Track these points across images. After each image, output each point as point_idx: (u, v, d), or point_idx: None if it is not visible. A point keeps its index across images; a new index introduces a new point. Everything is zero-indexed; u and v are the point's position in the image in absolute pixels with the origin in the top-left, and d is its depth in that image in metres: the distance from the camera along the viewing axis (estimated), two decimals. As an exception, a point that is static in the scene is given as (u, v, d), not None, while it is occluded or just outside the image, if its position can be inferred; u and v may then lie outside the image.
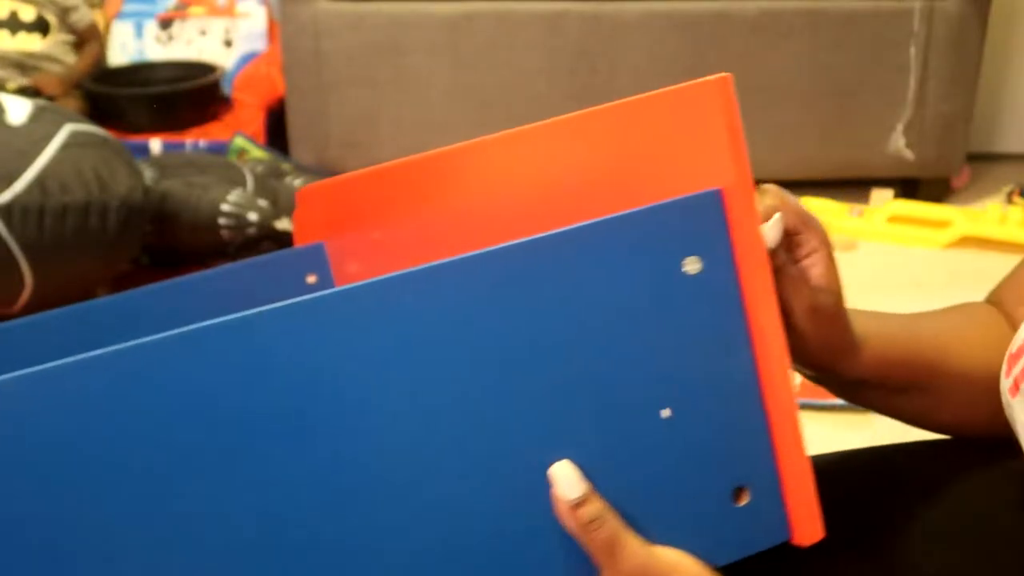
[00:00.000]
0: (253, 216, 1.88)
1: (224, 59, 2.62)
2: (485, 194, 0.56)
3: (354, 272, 0.67)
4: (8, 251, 1.61)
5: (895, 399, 0.59)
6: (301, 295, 0.39)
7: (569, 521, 0.42)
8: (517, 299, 0.42)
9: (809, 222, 0.50)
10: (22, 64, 2.42)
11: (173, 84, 2.44)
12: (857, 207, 2.24)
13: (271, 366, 0.38)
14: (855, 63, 2.21)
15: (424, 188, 0.60)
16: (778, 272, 0.49)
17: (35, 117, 1.69)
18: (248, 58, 2.64)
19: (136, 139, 2.28)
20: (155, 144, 2.29)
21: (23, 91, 2.21)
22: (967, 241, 2.12)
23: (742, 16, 2.17)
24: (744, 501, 0.46)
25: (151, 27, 2.70)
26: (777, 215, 0.48)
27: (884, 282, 1.98)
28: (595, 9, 2.18)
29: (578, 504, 0.42)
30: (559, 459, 0.42)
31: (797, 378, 0.60)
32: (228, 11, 2.69)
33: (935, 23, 2.16)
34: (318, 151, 2.30)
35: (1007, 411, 0.54)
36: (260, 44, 2.67)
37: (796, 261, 0.50)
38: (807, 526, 0.46)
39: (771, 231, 0.47)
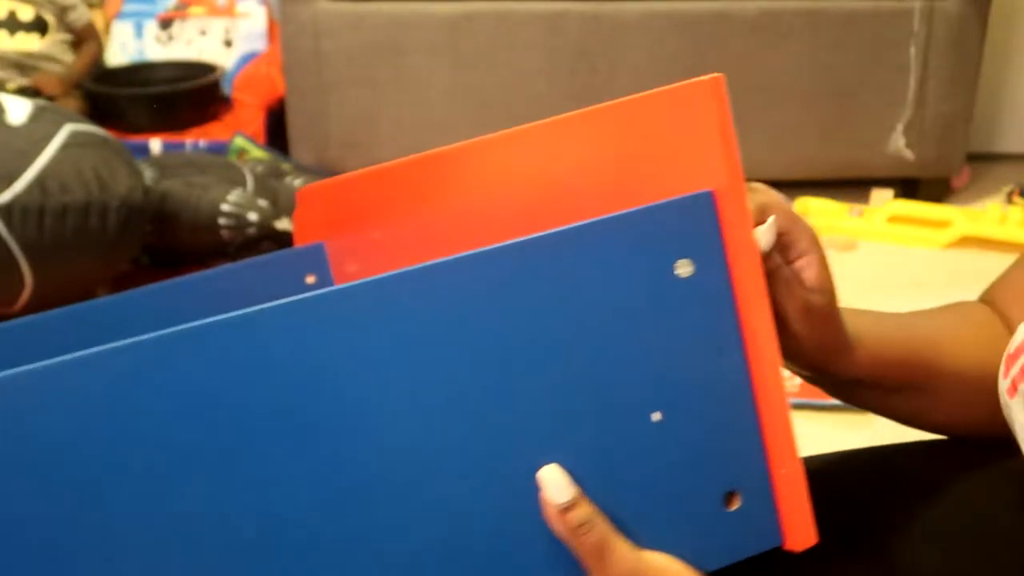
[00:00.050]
0: (253, 216, 1.88)
1: (224, 59, 2.63)
2: (481, 194, 0.56)
3: (353, 272, 0.67)
4: (8, 251, 1.61)
5: (890, 399, 0.59)
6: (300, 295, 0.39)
7: (558, 525, 0.42)
8: (507, 300, 0.41)
9: (798, 221, 0.50)
10: (21, 64, 2.42)
11: (173, 84, 2.44)
12: (857, 207, 2.24)
13: (269, 364, 0.38)
14: (855, 63, 2.21)
15: (422, 188, 0.60)
16: (772, 275, 0.49)
17: (35, 117, 1.69)
18: (248, 58, 2.64)
19: (136, 139, 2.28)
20: (155, 144, 2.29)
21: (23, 91, 2.21)
22: (967, 241, 2.12)
23: (742, 16, 2.17)
24: (735, 506, 0.45)
25: (151, 27, 2.70)
26: (771, 218, 0.48)
27: (884, 282, 1.98)
28: (595, 9, 2.18)
29: (567, 508, 0.42)
30: (549, 461, 0.42)
31: (796, 380, 0.60)
32: (228, 11, 2.69)
33: (935, 23, 2.16)
34: (318, 151, 2.30)
35: (1005, 412, 0.54)
36: (260, 44, 2.67)
37: (788, 262, 0.50)
38: (800, 531, 0.45)
39: (765, 235, 0.47)
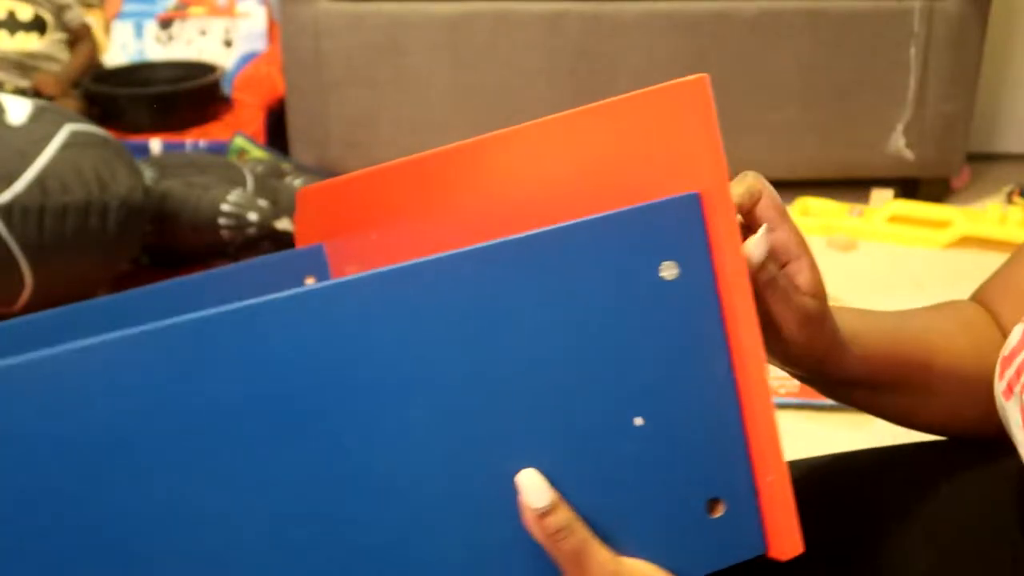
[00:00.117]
0: (253, 216, 1.88)
1: (224, 59, 2.63)
2: (475, 195, 0.56)
3: (352, 273, 0.67)
4: (8, 251, 1.61)
5: (882, 398, 0.59)
6: None
7: (536, 530, 0.42)
8: (487, 301, 0.41)
9: (786, 214, 0.50)
10: (22, 64, 2.42)
11: (173, 84, 2.44)
12: (857, 207, 2.24)
13: (251, 359, 0.38)
14: (855, 63, 2.21)
15: (419, 189, 0.60)
16: (768, 284, 0.49)
17: (35, 117, 1.69)
18: (248, 58, 2.65)
19: (136, 139, 2.28)
20: (155, 144, 2.29)
21: (21, 93, 2.21)
22: (967, 241, 2.12)
23: (742, 16, 2.17)
24: (719, 513, 0.45)
25: (151, 27, 2.70)
26: (763, 228, 0.47)
27: (884, 282, 1.98)
28: (595, 9, 2.18)
29: (544, 513, 0.41)
30: (528, 465, 0.42)
31: (795, 379, 0.60)
32: (228, 11, 2.69)
33: (935, 23, 2.16)
34: (318, 151, 2.30)
35: (1001, 413, 0.54)
36: (260, 44, 2.67)
37: (780, 264, 0.50)
38: (785, 540, 0.44)
39: (758, 247, 0.46)
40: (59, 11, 2.50)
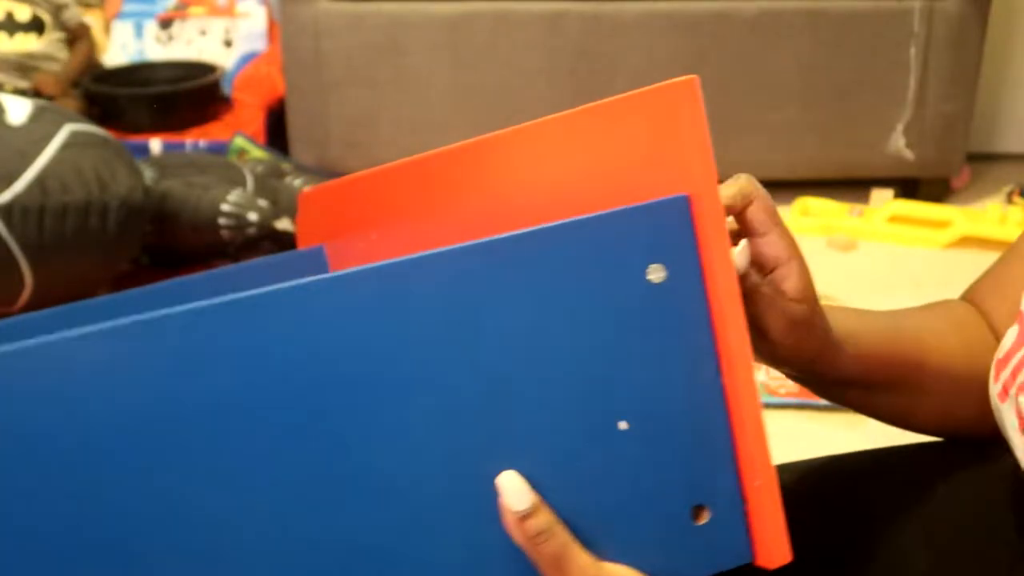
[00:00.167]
0: (253, 216, 1.88)
1: (224, 59, 2.63)
2: (474, 197, 0.56)
3: None
4: (8, 251, 1.61)
5: (875, 398, 0.59)
6: None
7: (516, 533, 0.41)
8: (471, 301, 0.40)
9: (777, 219, 0.49)
10: (22, 65, 2.42)
11: (173, 84, 2.44)
12: (857, 207, 2.24)
13: (214, 357, 0.38)
14: (855, 63, 2.21)
15: (418, 190, 0.60)
16: (751, 291, 0.49)
17: (35, 117, 1.69)
18: (248, 58, 2.65)
19: (136, 139, 2.28)
20: (155, 144, 2.29)
21: (22, 94, 2.21)
22: (967, 241, 2.12)
23: (742, 16, 2.17)
24: (704, 519, 0.44)
25: (151, 27, 2.70)
26: (744, 242, 0.47)
27: (884, 282, 1.98)
28: (595, 9, 2.18)
29: (525, 516, 0.41)
30: (509, 467, 0.41)
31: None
32: (228, 11, 2.69)
33: (935, 23, 2.16)
34: (318, 151, 2.30)
35: (996, 415, 0.54)
36: (260, 44, 2.67)
37: (769, 267, 0.49)
38: (773, 548, 0.44)
39: (738, 259, 0.46)
40: (57, 11, 2.50)
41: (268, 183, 2.06)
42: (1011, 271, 0.62)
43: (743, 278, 0.47)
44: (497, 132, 0.52)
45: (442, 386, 0.40)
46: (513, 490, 0.41)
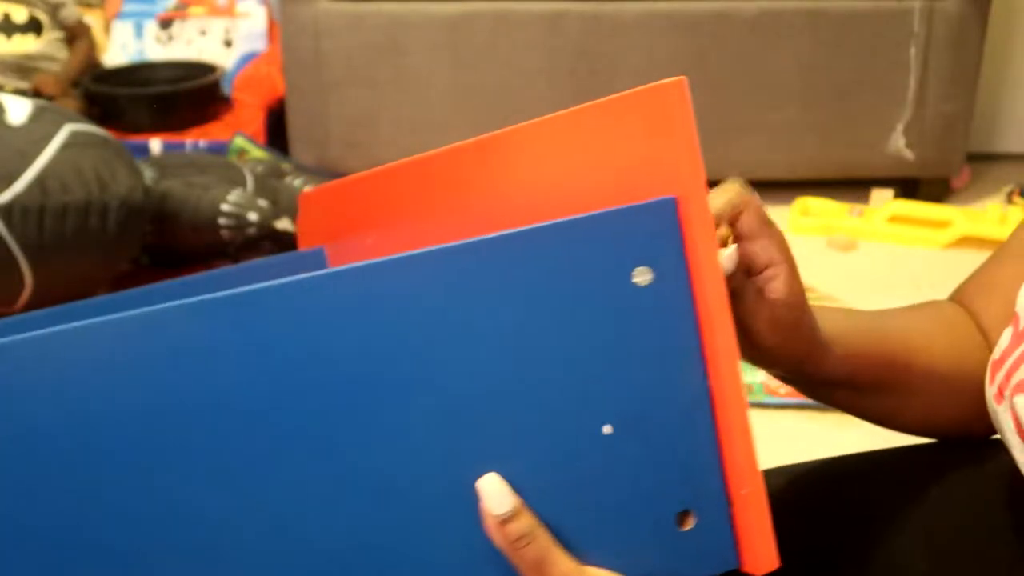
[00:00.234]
0: (253, 216, 1.88)
1: (224, 59, 2.63)
2: (471, 197, 0.56)
3: None
4: (8, 251, 1.61)
5: (864, 399, 0.59)
6: None
7: (497, 537, 0.41)
8: (454, 302, 0.40)
9: (769, 226, 0.49)
10: (21, 66, 2.42)
11: (173, 84, 2.44)
12: (857, 207, 2.24)
13: (219, 350, 0.38)
14: (855, 63, 2.21)
15: (416, 190, 0.60)
16: (736, 293, 0.48)
17: (35, 117, 1.69)
18: (248, 58, 2.65)
19: (136, 139, 2.28)
20: (155, 144, 2.29)
21: (21, 95, 2.22)
22: (967, 241, 2.12)
23: (742, 16, 2.17)
24: (689, 525, 0.43)
25: (151, 27, 2.70)
26: (732, 247, 0.47)
27: (884, 282, 1.98)
28: (595, 9, 2.18)
29: (506, 520, 0.40)
30: (491, 470, 0.41)
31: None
32: (228, 11, 2.69)
33: (935, 23, 2.16)
34: (318, 151, 2.30)
35: (993, 417, 0.53)
36: (260, 44, 2.67)
37: (758, 271, 0.49)
38: (760, 554, 0.43)
39: (727, 261, 0.46)
40: (54, 10, 2.50)
41: (268, 183, 2.06)
42: (1001, 271, 0.62)
43: (730, 279, 0.46)
44: (496, 132, 0.52)
45: (424, 387, 0.40)
46: (493, 493, 0.41)
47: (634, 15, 2.18)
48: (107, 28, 2.71)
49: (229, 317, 0.38)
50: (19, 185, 1.60)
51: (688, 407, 0.43)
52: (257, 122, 2.42)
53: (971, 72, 2.22)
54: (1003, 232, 2.09)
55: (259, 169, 2.13)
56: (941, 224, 2.17)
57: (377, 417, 0.40)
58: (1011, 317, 0.55)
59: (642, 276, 0.42)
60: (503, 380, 0.41)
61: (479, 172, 0.55)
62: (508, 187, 0.53)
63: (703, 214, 0.42)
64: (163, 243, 1.92)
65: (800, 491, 0.64)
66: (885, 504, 0.61)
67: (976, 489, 0.60)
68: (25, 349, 0.36)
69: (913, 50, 2.17)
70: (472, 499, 0.41)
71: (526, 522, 0.41)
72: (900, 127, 2.23)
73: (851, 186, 2.33)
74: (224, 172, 2.01)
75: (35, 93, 2.32)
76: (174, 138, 2.33)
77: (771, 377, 1.66)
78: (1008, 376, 0.51)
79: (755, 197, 0.49)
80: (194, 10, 2.69)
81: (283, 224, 1.93)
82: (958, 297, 0.64)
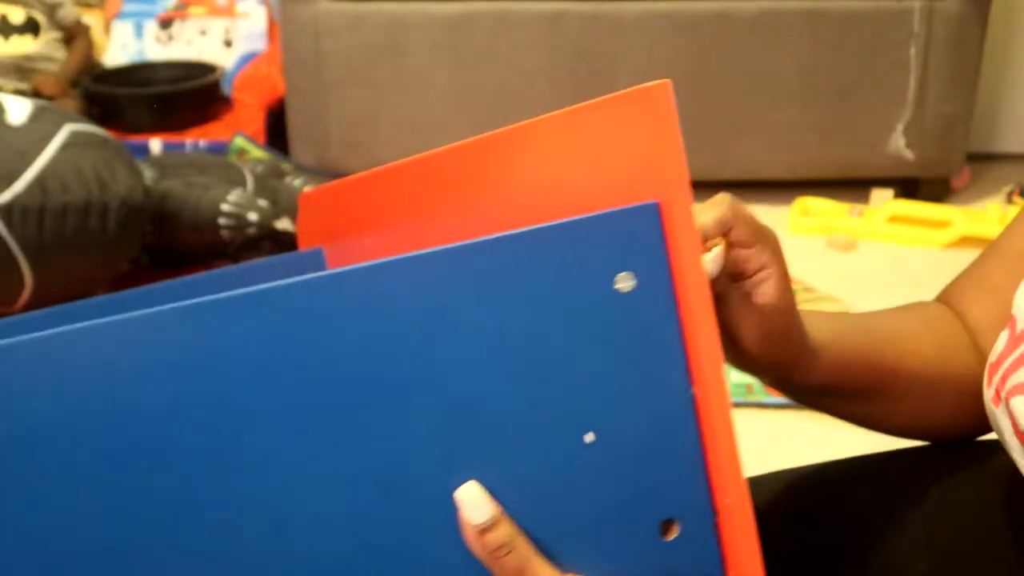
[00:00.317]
0: (253, 216, 1.88)
1: (224, 59, 2.63)
2: (467, 199, 0.56)
3: None
4: (8, 251, 1.61)
5: (850, 405, 0.58)
6: None
7: (476, 546, 0.40)
8: (433, 308, 0.40)
9: (761, 235, 0.48)
10: (20, 67, 2.42)
11: (173, 84, 2.44)
12: (857, 207, 2.24)
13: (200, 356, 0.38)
14: (855, 63, 2.21)
15: (415, 191, 0.60)
16: (723, 298, 0.48)
17: (35, 117, 1.69)
18: (248, 58, 2.65)
19: (136, 139, 2.28)
20: (155, 144, 2.29)
21: (21, 95, 2.22)
22: (967, 241, 2.12)
23: (742, 16, 2.17)
24: (673, 535, 0.43)
25: (151, 27, 2.70)
26: (716, 249, 0.46)
27: (884, 282, 1.98)
28: (595, 9, 2.18)
29: (485, 529, 0.40)
30: (472, 478, 0.40)
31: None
32: (228, 11, 2.69)
33: (935, 23, 2.16)
34: (318, 151, 2.30)
35: (991, 420, 0.53)
36: (260, 44, 2.67)
37: (747, 277, 0.49)
38: (745, 565, 0.42)
39: (711, 265, 0.45)
40: (51, 10, 2.50)
41: (268, 183, 2.06)
42: (991, 271, 0.62)
43: (715, 283, 0.46)
44: (495, 132, 0.52)
45: (401, 396, 0.40)
46: (472, 503, 0.40)
47: (634, 15, 2.18)
48: (107, 28, 2.71)
49: (229, 319, 0.38)
50: (19, 185, 1.60)
51: (672, 415, 0.42)
52: (257, 122, 2.42)
53: (971, 72, 2.22)
54: (1003, 232, 2.09)
55: (259, 169, 2.14)
56: (941, 224, 2.17)
57: (371, 418, 0.40)
58: (1003, 318, 0.54)
59: (624, 282, 0.41)
60: (482, 387, 0.40)
61: (477, 172, 0.55)
62: (506, 187, 0.53)
63: (687, 219, 0.41)
64: (163, 243, 1.92)
65: (799, 494, 0.64)
66: (885, 505, 0.60)
67: (976, 489, 0.60)
68: (26, 350, 0.36)
69: (913, 50, 2.17)
70: (453, 509, 0.40)
71: (505, 531, 0.40)
72: (900, 127, 2.23)
73: (851, 186, 2.33)
74: (224, 172, 2.01)
75: (35, 93, 2.32)
76: (174, 138, 2.33)
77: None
78: (1004, 379, 0.51)
79: (746, 209, 0.48)
80: (194, 10, 2.69)
81: (283, 224, 1.93)
82: (946, 298, 0.64)
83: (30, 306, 1.68)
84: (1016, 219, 0.61)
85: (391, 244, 0.62)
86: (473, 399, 0.40)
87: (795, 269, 1.99)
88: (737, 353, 0.51)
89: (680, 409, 0.42)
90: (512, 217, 0.50)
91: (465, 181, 0.55)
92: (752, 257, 0.48)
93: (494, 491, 0.41)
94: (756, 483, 0.64)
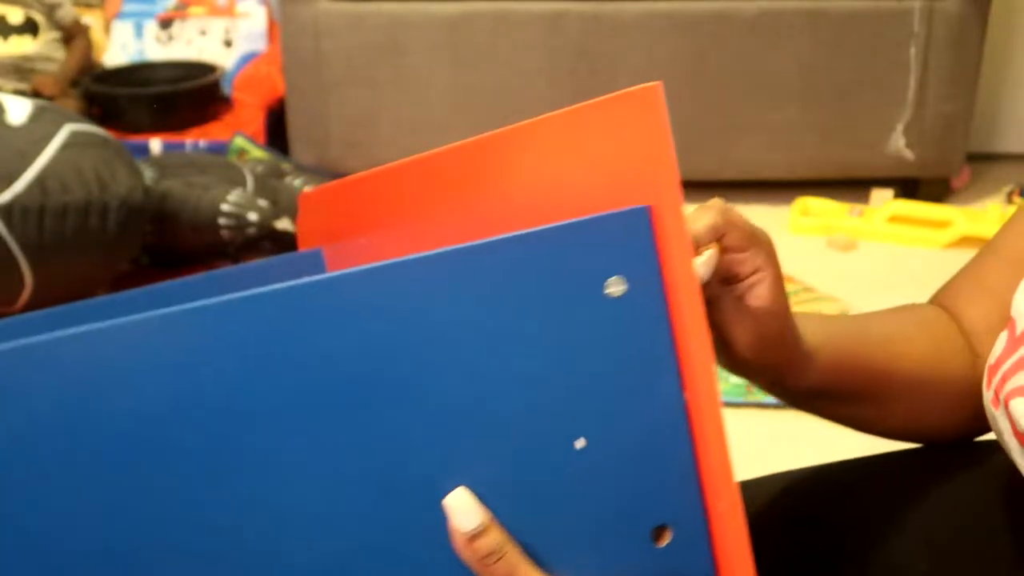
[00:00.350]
0: (253, 216, 1.88)
1: (224, 59, 2.63)
2: (465, 200, 0.56)
3: None
4: (8, 251, 1.61)
5: (844, 408, 0.58)
6: None
7: (466, 553, 0.40)
8: (422, 314, 0.39)
9: (755, 239, 0.48)
10: (19, 68, 2.42)
11: (173, 84, 2.44)
12: (857, 207, 2.24)
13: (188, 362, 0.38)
14: (855, 63, 2.21)
15: (414, 191, 0.60)
16: (717, 302, 0.48)
17: (35, 117, 1.69)
18: (248, 58, 2.65)
19: (136, 139, 2.28)
20: (155, 144, 2.29)
21: (21, 95, 2.22)
22: (967, 241, 2.12)
23: (742, 16, 2.17)
24: (665, 541, 0.42)
25: (151, 27, 2.70)
26: (708, 252, 0.46)
27: (884, 282, 1.98)
28: (595, 9, 2.18)
29: (474, 536, 0.39)
30: (461, 484, 0.40)
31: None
32: (228, 11, 2.69)
33: (935, 23, 2.16)
34: (318, 151, 2.30)
35: (991, 422, 0.53)
36: (260, 44, 2.67)
37: (740, 280, 0.48)
38: (738, 569, 0.42)
39: (702, 268, 0.45)
40: (50, 10, 2.50)
41: (268, 183, 2.06)
42: (986, 272, 0.61)
43: (706, 287, 0.46)
44: (494, 132, 0.52)
45: (392, 401, 0.39)
46: (461, 509, 0.40)
47: (634, 15, 2.18)
48: (107, 28, 2.71)
49: (229, 321, 0.38)
50: (19, 185, 1.60)
51: (662, 419, 0.42)
52: (257, 122, 2.42)
53: (971, 72, 2.22)
54: (1003, 232, 2.09)
55: (259, 169, 2.14)
56: (941, 224, 2.17)
57: (365, 420, 0.40)
58: (1000, 319, 0.54)
59: (615, 287, 0.41)
60: (472, 392, 0.40)
61: (476, 172, 0.55)
62: (505, 187, 0.53)
63: (678, 223, 0.41)
64: (163, 243, 1.92)
65: (799, 496, 0.64)
66: (884, 506, 0.60)
67: (975, 489, 0.60)
68: (26, 354, 0.36)
69: (913, 50, 2.17)
70: (441, 516, 0.40)
71: (495, 538, 0.40)
72: (900, 127, 2.23)
73: (851, 186, 2.33)
74: (224, 172, 2.01)
75: (34, 94, 2.32)
76: (174, 138, 2.33)
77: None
78: (1004, 381, 0.51)
79: (738, 214, 0.48)
80: (194, 10, 2.69)
81: (283, 224, 1.93)
82: (941, 299, 0.64)
83: (30, 306, 1.68)
84: (1012, 220, 0.61)
85: (391, 244, 0.62)
86: (464, 402, 0.40)
87: (795, 269, 1.99)
88: (731, 357, 0.50)
89: (672, 414, 0.42)
90: (511, 218, 0.50)
91: (464, 181, 0.55)
92: (746, 260, 0.48)
93: (485, 496, 0.40)
94: (756, 485, 0.64)
